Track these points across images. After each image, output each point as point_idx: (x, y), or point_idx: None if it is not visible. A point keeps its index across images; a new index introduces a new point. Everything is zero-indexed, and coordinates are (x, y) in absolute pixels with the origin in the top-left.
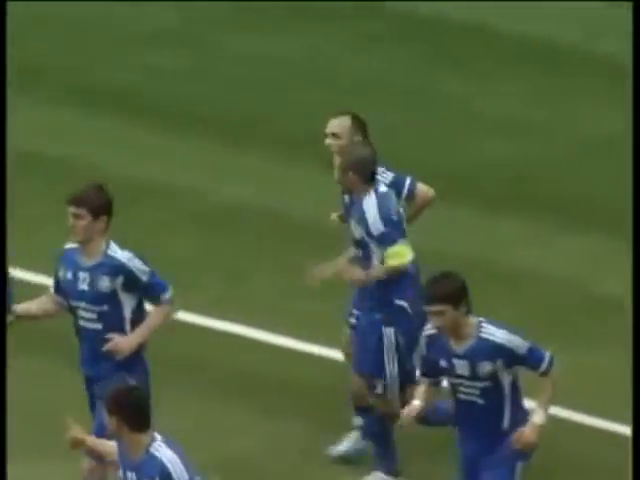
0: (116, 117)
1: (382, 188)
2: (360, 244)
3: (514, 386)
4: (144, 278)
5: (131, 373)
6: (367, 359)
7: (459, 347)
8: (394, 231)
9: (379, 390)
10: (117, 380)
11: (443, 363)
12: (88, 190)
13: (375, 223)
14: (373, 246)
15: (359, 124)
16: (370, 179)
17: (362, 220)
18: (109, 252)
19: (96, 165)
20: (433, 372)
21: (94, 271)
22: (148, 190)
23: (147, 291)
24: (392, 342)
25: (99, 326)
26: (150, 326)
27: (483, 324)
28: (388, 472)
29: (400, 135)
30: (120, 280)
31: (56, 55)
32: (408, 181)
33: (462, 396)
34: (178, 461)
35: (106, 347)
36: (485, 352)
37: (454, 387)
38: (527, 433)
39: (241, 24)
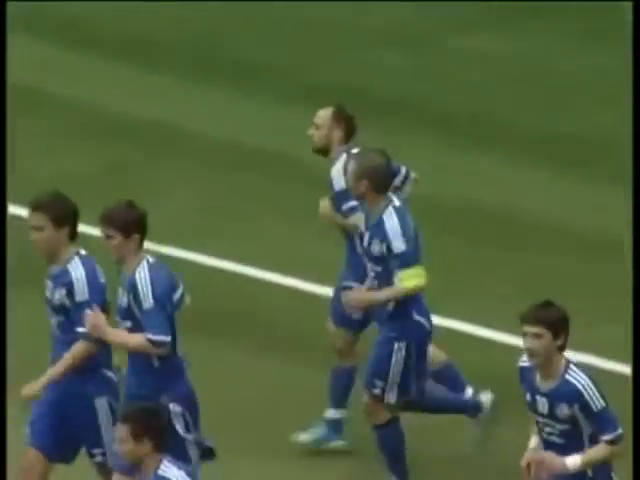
0: None
1: (397, 202)
2: (379, 261)
3: (593, 433)
4: (145, 306)
5: (170, 398)
6: (371, 368)
7: (544, 384)
8: (414, 250)
9: (377, 392)
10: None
11: (528, 397)
12: (116, 208)
13: (396, 241)
14: (393, 265)
15: (342, 117)
16: (383, 190)
17: (384, 238)
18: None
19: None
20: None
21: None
22: None
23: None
24: (402, 355)
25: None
26: (125, 340)
27: (571, 365)
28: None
29: None
30: (132, 298)
31: (281, 55)
32: (403, 170)
33: (544, 435)
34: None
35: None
36: (565, 395)
37: (538, 424)
38: (554, 461)
39: (468, 23)
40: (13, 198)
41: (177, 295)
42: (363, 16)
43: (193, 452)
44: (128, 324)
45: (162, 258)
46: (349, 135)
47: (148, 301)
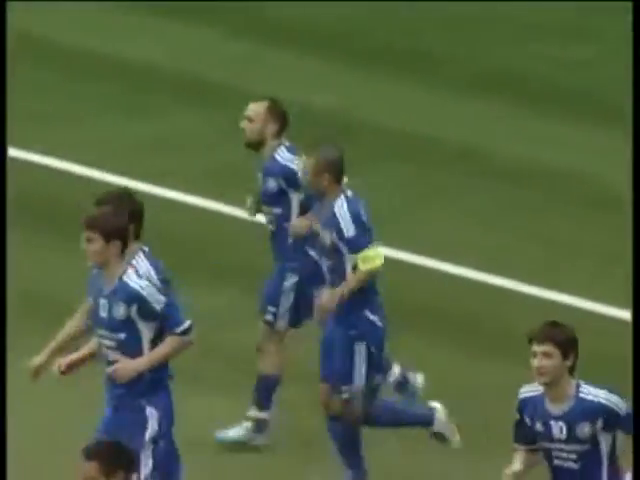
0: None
1: (348, 192)
2: (331, 251)
3: (612, 450)
4: (158, 307)
5: (150, 403)
6: (335, 369)
7: (556, 409)
8: (364, 234)
9: (346, 396)
10: (134, 408)
11: (539, 426)
12: (103, 212)
13: (347, 226)
14: (345, 251)
15: (276, 111)
16: (340, 182)
17: (333, 224)
18: (124, 278)
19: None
20: (528, 437)
21: (111, 298)
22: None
23: (162, 321)
24: (363, 356)
25: (118, 354)
26: (158, 355)
27: (582, 385)
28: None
29: None
30: (135, 308)
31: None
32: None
33: (557, 462)
34: None
35: (107, 370)
36: (584, 413)
37: (549, 452)
38: None
39: None
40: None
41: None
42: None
43: (150, 460)
44: (121, 336)
45: None
46: (282, 129)
47: (159, 303)
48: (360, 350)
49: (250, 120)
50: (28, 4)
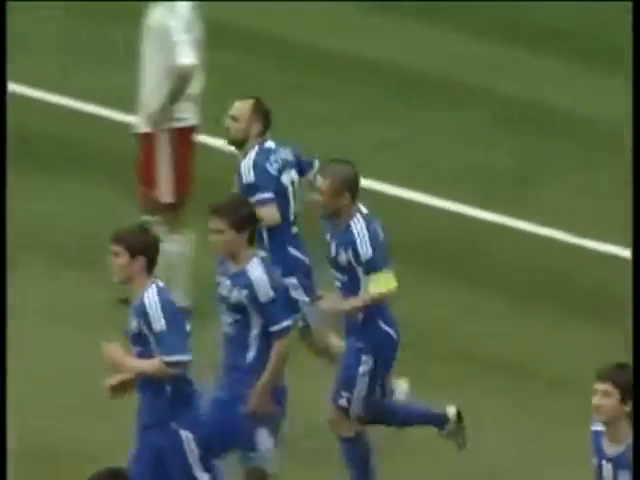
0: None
1: (363, 209)
2: (345, 270)
3: None
4: (157, 328)
5: (181, 425)
6: (338, 377)
7: (610, 449)
8: (381, 256)
9: (342, 403)
10: (167, 435)
11: (595, 461)
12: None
13: (364, 247)
14: (360, 272)
15: (261, 110)
16: (356, 198)
17: (350, 243)
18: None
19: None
20: None
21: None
22: None
23: (156, 343)
24: (369, 368)
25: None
26: (141, 367)
27: None
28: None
29: None
30: (143, 323)
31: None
32: (316, 163)
33: None
34: None
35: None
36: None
37: None
38: None
39: None
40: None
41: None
42: None
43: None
44: (138, 349)
45: None
46: (266, 128)
47: (159, 323)
48: (367, 361)
49: (234, 119)
50: (275, 4)
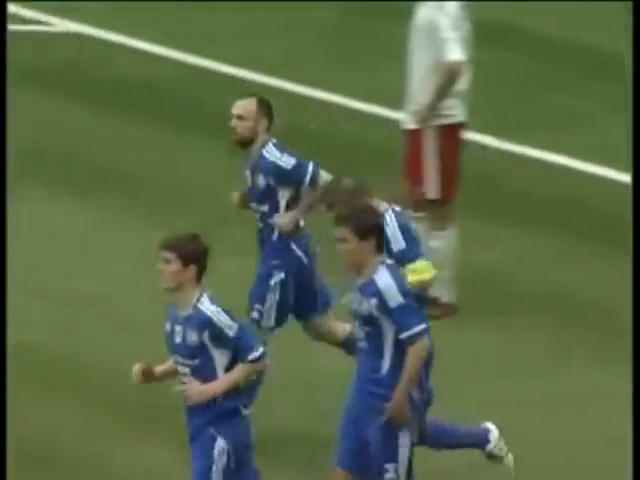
0: None
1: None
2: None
3: None
4: (231, 334)
5: (218, 431)
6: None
7: None
8: (415, 246)
9: (255, 315)
10: (205, 438)
11: None
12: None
13: (396, 239)
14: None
15: (266, 107)
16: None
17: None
18: (198, 304)
19: None
20: None
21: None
22: None
23: (234, 348)
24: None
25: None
26: (230, 380)
27: None
28: (483, 445)
29: None
30: (207, 334)
31: None
32: (311, 167)
33: None
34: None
35: (177, 388)
36: None
37: None
38: None
39: None
40: None
41: None
42: None
43: None
44: (196, 362)
45: None
46: (270, 126)
47: (232, 329)
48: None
49: (242, 118)
50: None
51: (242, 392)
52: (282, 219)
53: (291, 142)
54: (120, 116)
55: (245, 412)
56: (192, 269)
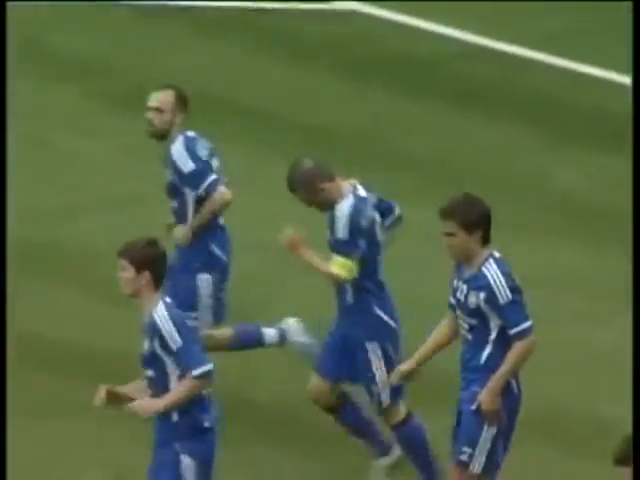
0: None
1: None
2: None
3: None
4: (174, 346)
5: (182, 448)
6: (347, 367)
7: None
8: (354, 243)
9: (383, 399)
10: (167, 453)
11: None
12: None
13: (340, 229)
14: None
15: (183, 99)
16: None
17: (330, 225)
18: (153, 312)
19: None
20: None
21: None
22: None
23: (178, 362)
24: (379, 355)
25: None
26: (172, 397)
27: None
28: (383, 453)
29: None
30: (157, 343)
31: None
32: (209, 181)
33: None
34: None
35: (127, 406)
36: None
37: None
38: None
39: None
40: None
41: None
42: None
43: None
44: (150, 373)
45: None
46: (186, 118)
47: (175, 341)
48: (373, 349)
49: (159, 110)
50: None
51: (205, 406)
52: (178, 233)
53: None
54: (405, 95)
55: (209, 425)
56: (146, 275)
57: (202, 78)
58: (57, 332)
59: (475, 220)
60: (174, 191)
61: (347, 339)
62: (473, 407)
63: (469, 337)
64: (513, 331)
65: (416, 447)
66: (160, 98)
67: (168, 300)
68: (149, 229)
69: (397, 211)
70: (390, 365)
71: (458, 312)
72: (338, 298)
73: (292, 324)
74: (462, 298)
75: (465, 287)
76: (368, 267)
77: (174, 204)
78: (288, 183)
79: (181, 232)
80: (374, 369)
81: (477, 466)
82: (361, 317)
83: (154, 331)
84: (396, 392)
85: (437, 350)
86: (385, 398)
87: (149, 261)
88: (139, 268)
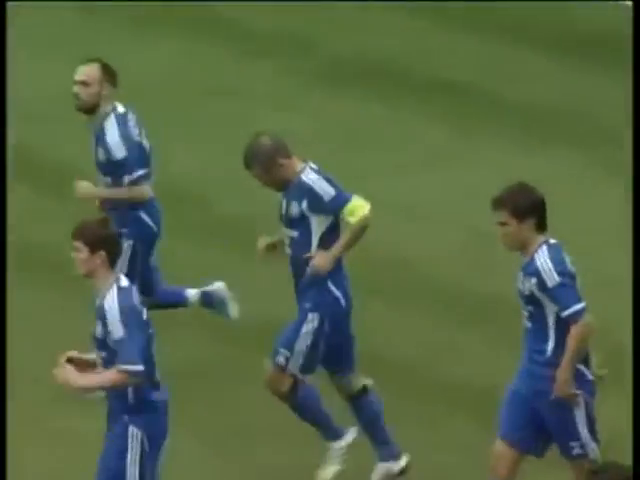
0: None
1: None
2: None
3: None
4: (116, 335)
5: (133, 422)
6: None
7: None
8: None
9: (281, 361)
10: (119, 425)
11: None
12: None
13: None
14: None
15: (110, 72)
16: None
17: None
18: (107, 294)
19: None
20: None
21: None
22: None
23: (114, 351)
24: (314, 326)
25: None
26: (97, 380)
27: None
28: (335, 437)
29: None
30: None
31: None
32: (138, 174)
33: None
34: None
35: (53, 372)
36: None
37: None
38: None
39: None
40: None
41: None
42: None
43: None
44: (103, 354)
45: None
46: (115, 90)
47: (118, 330)
48: (312, 319)
49: (85, 84)
50: None
51: (157, 384)
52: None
53: None
54: None
55: (160, 404)
56: (101, 255)
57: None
58: None
59: (526, 208)
60: (109, 169)
61: (299, 312)
62: (552, 402)
63: (529, 325)
64: (565, 314)
65: (372, 418)
66: (86, 71)
67: (123, 284)
68: None
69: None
70: (322, 339)
71: (520, 301)
72: (296, 276)
73: (218, 287)
74: (520, 286)
75: (521, 274)
76: (326, 243)
77: (108, 180)
78: (244, 159)
79: (84, 187)
80: (302, 332)
81: (592, 453)
82: (315, 292)
83: (101, 317)
84: (307, 368)
85: None
86: (292, 365)
87: (103, 241)
88: (93, 248)
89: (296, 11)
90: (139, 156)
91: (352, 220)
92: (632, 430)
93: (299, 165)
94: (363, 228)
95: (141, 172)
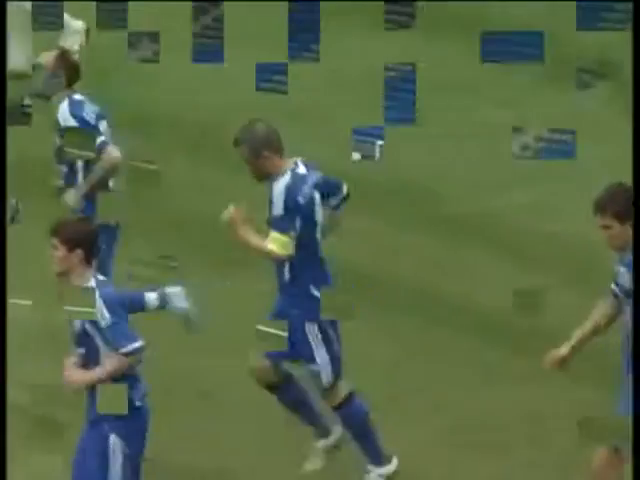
0: None
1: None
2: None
3: None
4: (103, 323)
5: (113, 429)
6: (287, 346)
7: None
8: (289, 219)
9: (324, 379)
10: (97, 434)
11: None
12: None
13: (277, 205)
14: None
15: (68, 60)
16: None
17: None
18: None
19: None
20: None
21: None
22: None
23: (107, 339)
24: (318, 335)
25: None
26: (101, 371)
27: None
28: (322, 435)
29: None
30: (87, 321)
31: None
32: (98, 141)
33: None
34: None
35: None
36: None
37: None
38: None
39: None
40: None
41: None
42: None
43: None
44: (82, 350)
45: None
46: (73, 81)
47: (104, 318)
48: (312, 330)
49: (42, 67)
50: None
51: (135, 384)
52: (69, 197)
53: None
54: None
55: (139, 404)
56: (79, 253)
57: None
58: None
59: (627, 209)
60: (62, 155)
61: (287, 318)
62: None
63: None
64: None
65: (358, 427)
66: (43, 55)
67: (101, 277)
68: None
69: (344, 190)
70: (329, 344)
71: (621, 298)
72: (277, 276)
73: (174, 289)
74: (624, 283)
75: (623, 269)
76: (305, 245)
77: (63, 168)
78: (236, 136)
79: (73, 196)
80: (314, 349)
81: None
82: (298, 299)
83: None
84: (337, 372)
85: (596, 334)
86: (326, 378)
87: (81, 239)
88: (71, 246)
89: None
90: (94, 131)
91: (269, 245)
92: (632, 430)
93: (285, 165)
94: (267, 254)
95: (101, 138)
